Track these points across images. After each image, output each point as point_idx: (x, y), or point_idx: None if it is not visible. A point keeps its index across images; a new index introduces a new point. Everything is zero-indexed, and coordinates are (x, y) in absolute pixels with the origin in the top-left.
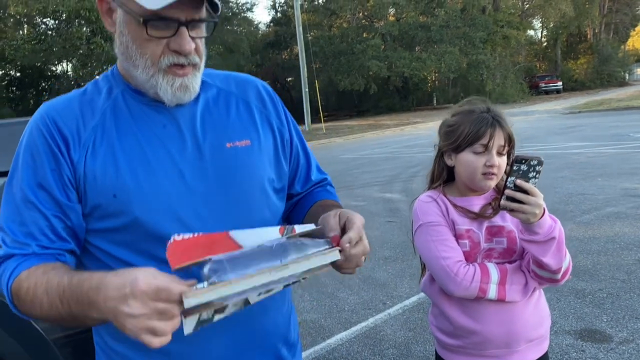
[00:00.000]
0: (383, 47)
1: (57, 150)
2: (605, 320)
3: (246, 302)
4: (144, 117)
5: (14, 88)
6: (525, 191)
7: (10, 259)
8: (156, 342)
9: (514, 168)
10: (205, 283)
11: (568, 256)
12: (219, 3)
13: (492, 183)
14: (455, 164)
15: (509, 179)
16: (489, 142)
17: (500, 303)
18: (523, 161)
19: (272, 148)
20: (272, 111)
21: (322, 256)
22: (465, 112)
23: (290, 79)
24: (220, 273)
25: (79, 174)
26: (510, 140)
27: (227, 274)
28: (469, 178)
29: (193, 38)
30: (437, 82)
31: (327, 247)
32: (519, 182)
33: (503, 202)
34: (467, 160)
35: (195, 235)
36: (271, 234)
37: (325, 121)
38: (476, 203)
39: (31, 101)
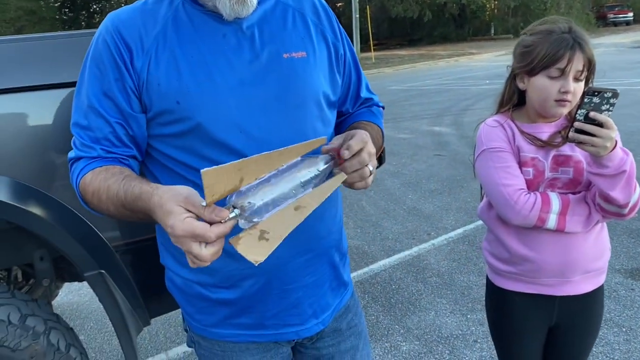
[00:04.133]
0: None
1: (121, 60)
2: None
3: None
4: (205, 26)
5: (67, 10)
6: (597, 124)
7: (79, 161)
8: (198, 264)
9: (585, 100)
10: (236, 211)
11: (638, 190)
12: None
13: (565, 110)
14: (528, 88)
15: (579, 112)
16: (566, 66)
17: (559, 233)
18: (596, 93)
19: (326, 61)
20: (327, 25)
21: (321, 166)
22: (544, 31)
23: (340, 4)
24: (245, 198)
25: (142, 80)
26: (590, 65)
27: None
28: (540, 104)
29: None
30: (496, 10)
31: (330, 158)
32: (592, 114)
33: (572, 134)
34: (540, 85)
35: (223, 166)
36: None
37: (375, 50)
38: (545, 130)
39: (83, 24)
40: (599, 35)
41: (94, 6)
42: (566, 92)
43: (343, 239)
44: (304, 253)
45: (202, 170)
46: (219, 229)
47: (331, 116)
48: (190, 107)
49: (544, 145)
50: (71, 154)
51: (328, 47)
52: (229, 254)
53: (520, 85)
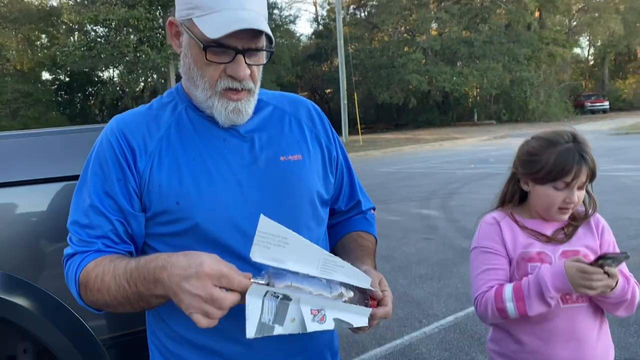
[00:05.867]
0: (424, 61)
1: (124, 161)
2: None
3: (303, 326)
4: (206, 131)
5: (63, 92)
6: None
7: (76, 256)
8: (204, 322)
9: (600, 262)
10: (265, 276)
11: (638, 291)
12: (272, 36)
13: (567, 215)
14: (531, 191)
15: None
16: (572, 180)
17: (572, 327)
18: (610, 257)
19: (320, 163)
20: (321, 129)
21: (357, 311)
22: (548, 141)
23: (329, 90)
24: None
25: (143, 181)
26: (592, 176)
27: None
28: (544, 210)
29: (249, 65)
30: (478, 97)
31: (364, 302)
32: (607, 269)
33: None
34: (545, 194)
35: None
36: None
37: (363, 134)
38: (548, 227)
39: (78, 105)
40: (577, 123)
41: (90, 89)
42: (570, 203)
43: (335, 339)
44: (297, 354)
45: (262, 215)
46: (243, 280)
47: (324, 214)
48: (189, 208)
49: (549, 240)
50: (68, 250)
51: (322, 149)
52: (220, 354)
53: (524, 187)
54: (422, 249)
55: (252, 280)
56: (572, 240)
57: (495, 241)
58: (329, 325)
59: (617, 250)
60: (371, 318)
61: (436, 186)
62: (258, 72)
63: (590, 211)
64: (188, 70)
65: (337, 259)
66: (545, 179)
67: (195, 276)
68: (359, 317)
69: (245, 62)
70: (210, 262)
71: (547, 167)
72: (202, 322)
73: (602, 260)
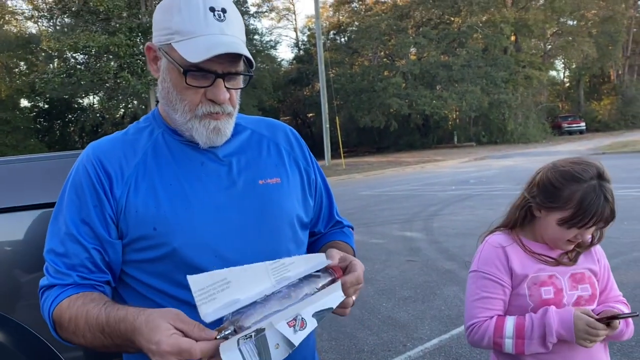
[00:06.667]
0: (404, 85)
1: (101, 188)
2: None
3: (290, 344)
4: (183, 155)
5: (42, 119)
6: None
7: (52, 289)
8: None
9: (609, 320)
10: (229, 325)
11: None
12: (252, 60)
13: (572, 246)
14: (542, 219)
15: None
16: (591, 226)
17: (588, 350)
18: (620, 316)
19: (299, 186)
20: (299, 153)
21: (329, 292)
22: (573, 175)
23: (311, 114)
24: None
25: (120, 207)
26: (612, 217)
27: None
28: (552, 240)
29: (228, 89)
30: (458, 120)
31: (331, 278)
32: (613, 323)
33: None
34: (558, 229)
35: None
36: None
37: (345, 157)
38: (553, 251)
39: (57, 132)
40: (555, 144)
41: (69, 116)
42: (580, 239)
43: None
44: None
45: (188, 276)
46: (205, 345)
47: (304, 237)
48: (166, 233)
49: (558, 263)
50: (44, 282)
51: (300, 172)
52: None
53: (536, 214)
54: (405, 271)
55: (217, 337)
56: (577, 263)
57: (497, 268)
58: (312, 324)
59: (612, 275)
60: (345, 288)
61: (418, 208)
62: (237, 95)
63: (596, 241)
64: (167, 94)
65: (284, 260)
66: (564, 225)
67: (158, 354)
68: (333, 296)
69: (225, 86)
70: (167, 337)
71: (567, 207)
72: None
73: (613, 319)
